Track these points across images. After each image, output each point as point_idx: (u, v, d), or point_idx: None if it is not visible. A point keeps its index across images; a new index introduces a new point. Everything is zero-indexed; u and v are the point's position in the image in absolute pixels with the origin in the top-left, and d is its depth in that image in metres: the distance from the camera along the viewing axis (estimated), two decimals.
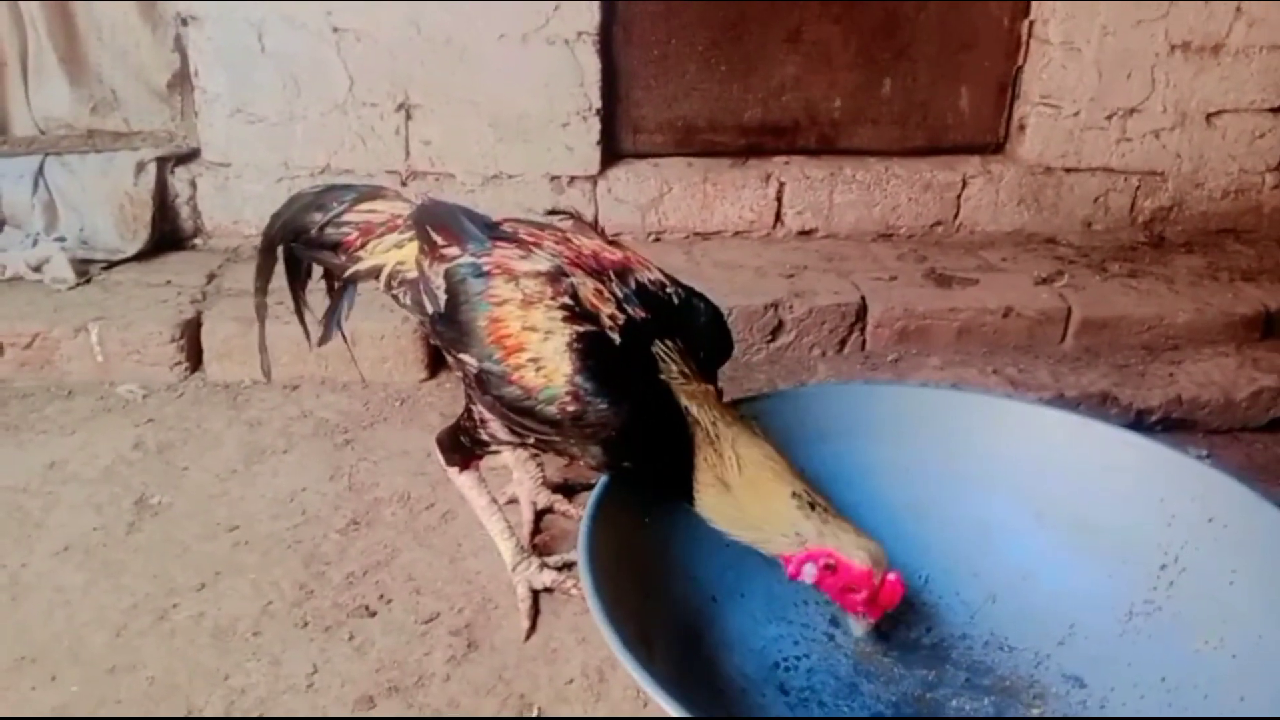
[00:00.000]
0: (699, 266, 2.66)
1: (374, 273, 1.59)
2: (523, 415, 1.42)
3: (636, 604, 1.45)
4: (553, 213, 1.78)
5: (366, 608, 1.67)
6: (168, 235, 2.67)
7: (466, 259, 1.47)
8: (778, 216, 2.85)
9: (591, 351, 1.37)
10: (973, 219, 2.94)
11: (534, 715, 1.47)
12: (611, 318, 1.41)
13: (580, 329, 1.38)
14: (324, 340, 1.76)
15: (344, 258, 1.63)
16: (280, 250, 1.73)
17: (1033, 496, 1.63)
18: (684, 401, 1.41)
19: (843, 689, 1.51)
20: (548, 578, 1.69)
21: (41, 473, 1.99)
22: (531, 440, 1.50)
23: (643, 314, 1.43)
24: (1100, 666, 1.49)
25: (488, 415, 1.52)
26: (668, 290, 1.51)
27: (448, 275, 1.47)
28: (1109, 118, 2.87)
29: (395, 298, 1.58)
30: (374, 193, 1.67)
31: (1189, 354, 2.49)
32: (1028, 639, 1.56)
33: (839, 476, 1.69)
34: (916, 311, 2.49)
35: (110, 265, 2.54)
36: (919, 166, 2.88)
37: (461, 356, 1.47)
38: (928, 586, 1.66)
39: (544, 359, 1.38)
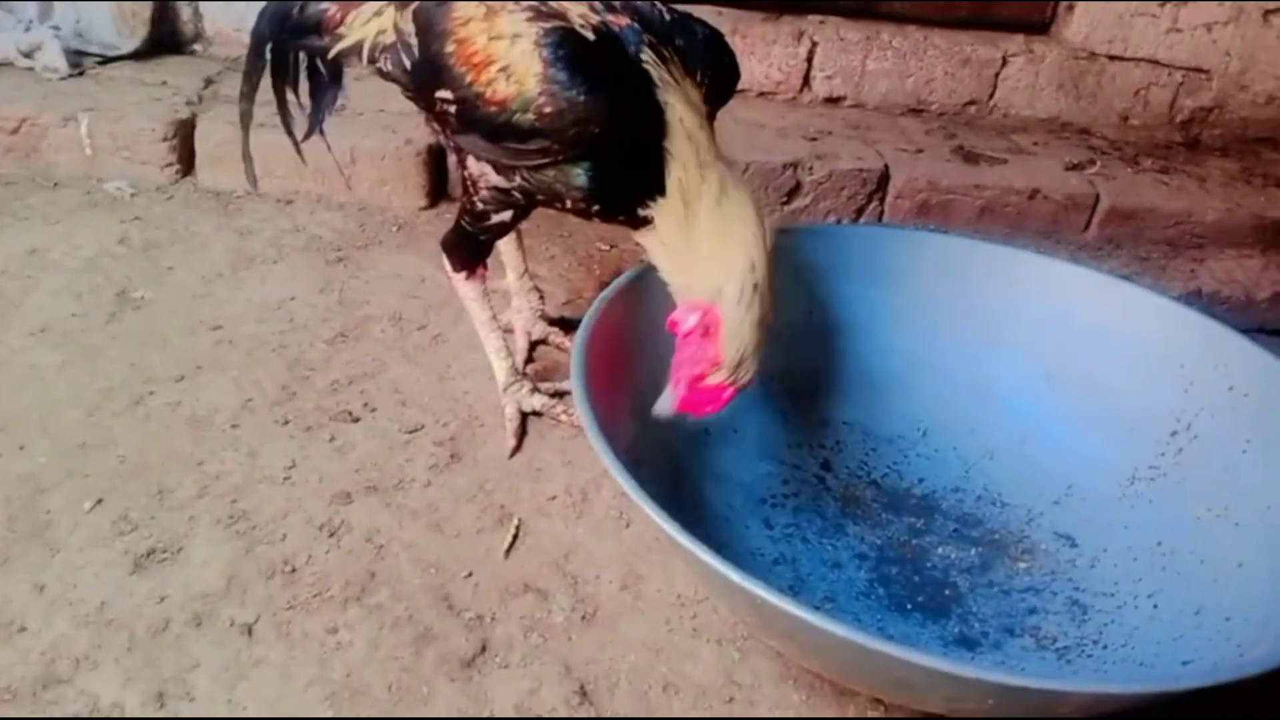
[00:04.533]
0: (719, 121, 2.54)
1: (358, 49, 1.51)
2: (505, 139, 1.34)
3: (627, 428, 1.40)
4: None
5: (350, 413, 1.62)
6: (167, 37, 2.54)
7: None
8: (806, 80, 2.72)
9: (561, 44, 1.27)
10: (1008, 101, 2.81)
11: (514, 524, 1.43)
12: (582, 16, 1.32)
13: (547, 25, 1.29)
14: (308, 135, 1.68)
15: (327, 38, 1.54)
16: (269, 50, 1.63)
17: (1044, 354, 1.58)
18: (668, 98, 1.30)
19: (828, 528, 1.48)
20: (538, 401, 1.64)
21: (21, 258, 1.92)
22: (519, 182, 1.40)
23: (625, 21, 1.33)
24: (1094, 528, 1.46)
25: (476, 169, 1.44)
26: (658, 8, 1.39)
27: (415, 15, 1.40)
28: (1162, 3, 2.72)
29: (381, 71, 1.50)
30: None
31: (1212, 253, 2.41)
32: (1022, 496, 1.53)
33: (845, 321, 1.64)
34: (940, 185, 2.39)
35: (105, 61, 2.42)
36: (960, 39, 2.74)
37: (440, 96, 1.38)
38: (925, 439, 1.62)
39: (512, 64, 1.29)
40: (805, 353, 1.64)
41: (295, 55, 1.63)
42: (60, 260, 1.93)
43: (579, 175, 1.33)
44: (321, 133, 1.68)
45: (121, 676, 1.15)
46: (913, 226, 2.17)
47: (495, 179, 1.42)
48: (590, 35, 1.30)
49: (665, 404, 1.33)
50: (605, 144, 1.29)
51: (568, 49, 1.27)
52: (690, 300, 1.31)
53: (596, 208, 1.38)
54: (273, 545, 1.35)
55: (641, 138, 1.30)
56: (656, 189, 1.32)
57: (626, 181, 1.33)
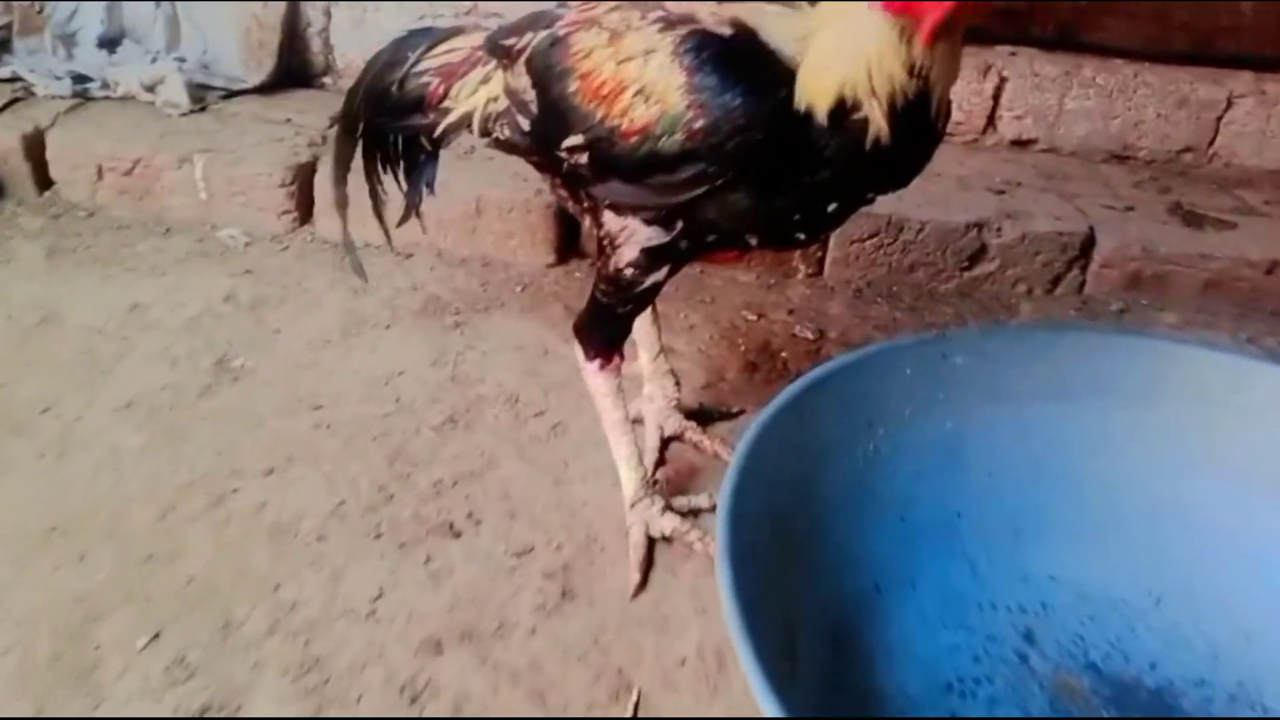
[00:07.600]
0: None
1: (467, 121, 1.33)
2: (650, 175, 1.12)
3: (780, 582, 1.12)
4: None
5: (451, 525, 1.39)
6: (295, 70, 2.42)
7: (540, 36, 1.21)
8: (991, 119, 2.38)
9: (702, 47, 1.07)
10: (1231, 148, 2.39)
11: (633, 699, 1.16)
12: (713, 14, 1.10)
13: (682, 31, 1.09)
14: (404, 219, 1.55)
15: (431, 115, 1.37)
16: (361, 131, 1.46)
17: None
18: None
19: None
20: (669, 524, 1.37)
21: (121, 315, 1.78)
22: (678, 226, 1.19)
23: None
24: None
25: (615, 224, 1.22)
26: None
27: (528, 65, 1.21)
28: None
29: (496, 140, 1.30)
30: (451, 32, 1.41)
31: None
32: None
33: (1056, 447, 1.33)
34: (1157, 253, 2.01)
35: (229, 95, 2.30)
36: (1176, 76, 2.34)
37: (568, 145, 1.18)
38: (1158, 608, 1.27)
39: (649, 83, 1.09)
40: (1003, 485, 1.32)
41: (393, 136, 1.46)
42: (161, 319, 1.79)
43: (742, 200, 1.11)
44: (418, 215, 1.53)
45: None
46: (1139, 332, 1.81)
47: (643, 231, 1.19)
48: (728, 31, 1.08)
49: None
50: (767, 152, 1.06)
51: (711, 50, 1.07)
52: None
53: (801, 235, 1.19)
54: (345, 709, 1.12)
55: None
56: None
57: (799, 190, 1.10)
